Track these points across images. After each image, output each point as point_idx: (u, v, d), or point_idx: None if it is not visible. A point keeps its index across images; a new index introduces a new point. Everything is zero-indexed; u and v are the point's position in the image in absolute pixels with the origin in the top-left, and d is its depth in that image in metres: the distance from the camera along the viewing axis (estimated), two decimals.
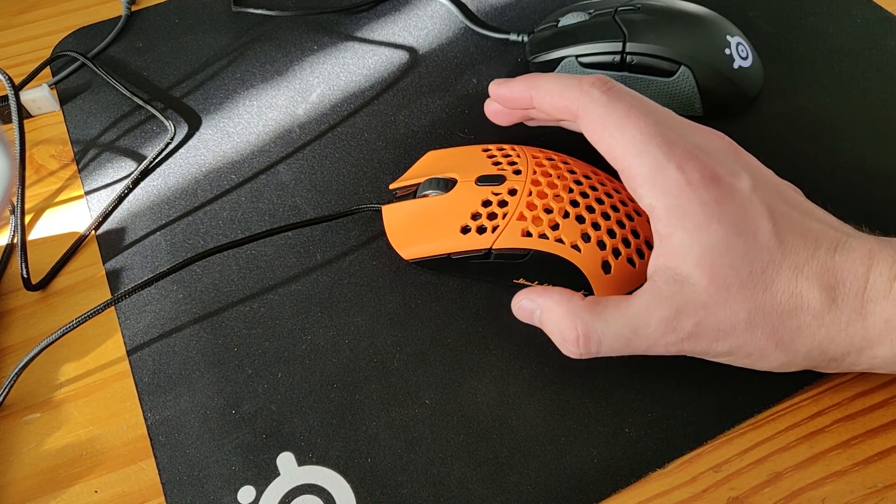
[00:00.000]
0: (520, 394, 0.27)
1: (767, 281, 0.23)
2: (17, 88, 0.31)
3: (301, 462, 0.26)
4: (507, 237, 0.27)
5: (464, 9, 0.41)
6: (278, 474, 0.25)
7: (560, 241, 0.27)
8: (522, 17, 0.40)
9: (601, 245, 0.27)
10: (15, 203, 0.31)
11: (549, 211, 0.27)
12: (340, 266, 0.31)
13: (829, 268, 0.23)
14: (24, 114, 0.36)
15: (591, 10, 0.36)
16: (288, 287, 0.30)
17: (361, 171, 0.34)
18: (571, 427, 0.26)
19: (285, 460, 0.26)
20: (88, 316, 0.27)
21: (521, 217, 0.27)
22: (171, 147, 0.35)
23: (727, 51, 0.34)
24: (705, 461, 0.26)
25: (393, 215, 0.30)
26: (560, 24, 0.36)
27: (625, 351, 0.25)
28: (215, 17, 0.42)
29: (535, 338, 0.28)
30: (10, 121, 0.31)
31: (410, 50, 0.39)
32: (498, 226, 0.27)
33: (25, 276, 0.30)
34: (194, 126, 0.36)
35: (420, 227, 0.29)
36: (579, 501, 0.25)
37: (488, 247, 0.28)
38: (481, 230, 0.28)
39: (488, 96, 0.30)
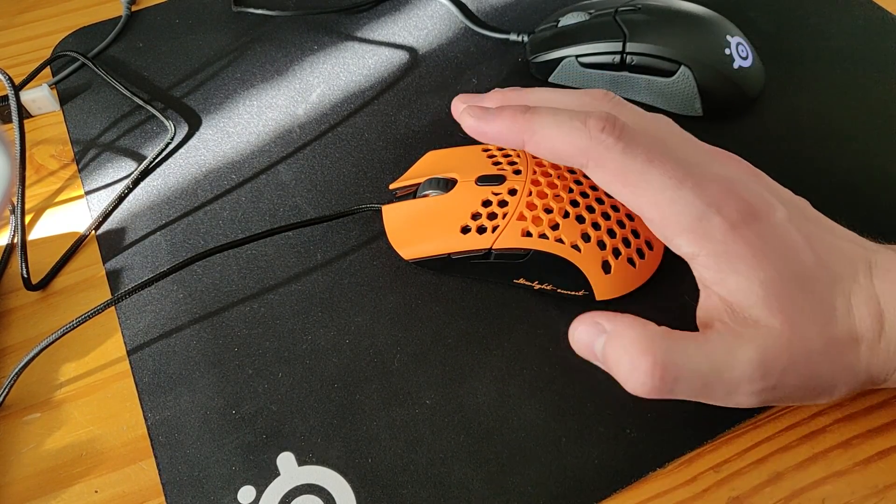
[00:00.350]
0: (520, 394, 0.27)
1: (828, 311, 0.22)
2: (17, 88, 0.31)
3: (301, 462, 0.26)
4: (507, 237, 0.27)
5: (464, 9, 0.41)
6: (278, 474, 0.25)
7: (560, 240, 0.27)
8: (522, 17, 0.40)
9: (601, 245, 0.27)
10: (15, 203, 0.31)
11: (549, 211, 0.27)
12: (341, 266, 0.31)
13: (871, 294, 0.23)
14: (24, 114, 0.36)
15: (592, 10, 0.36)
16: (288, 287, 0.30)
17: (361, 171, 0.34)
18: (572, 427, 0.26)
19: (285, 460, 0.26)
20: (88, 316, 0.27)
21: (521, 217, 0.27)
22: (171, 147, 0.35)
23: (727, 51, 0.34)
24: (705, 461, 0.26)
25: (393, 215, 0.30)
26: (560, 24, 0.36)
27: (699, 395, 0.22)
28: (215, 17, 0.42)
29: (536, 338, 0.28)
30: (10, 121, 0.31)
31: (410, 50, 0.39)
32: (498, 226, 0.27)
33: (25, 276, 0.30)
34: (194, 126, 0.36)
35: (420, 227, 0.29)
36: (580, 502, 0.25)
37: (488, 247, 0.28)
38: (481, 230, 0.28)
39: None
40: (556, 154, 0.25)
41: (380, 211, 0.31)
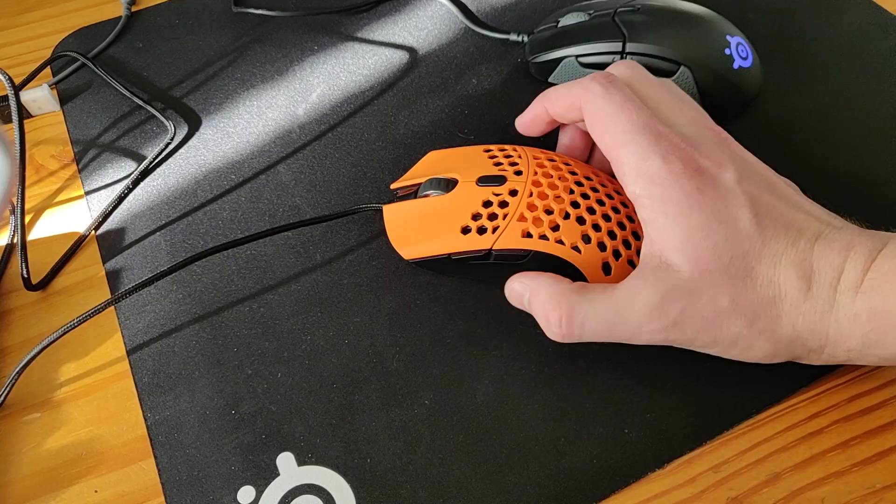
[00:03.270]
0: (519, 394, 0.27)
1: (748, 268, 0.24)
2: (17, 88, 0.32)
3: (301, 462, 0.26)
4: (508, 238, 0.27)
5: (464, 9, 0.41)
6: (278, 474, 0.26)
7: (560, 242, 0.27)
8: (522, 18, 0.40)
9: (601, 247, 0.27)
10: (15, 203, 0.31)
11: (549, 212, 0.27)
12: (340, 266, 0.31)
13: (806, 257, 0.24)
14: (24, 114, 0.36)
15: (591, 11, 0.36)
16: (288, 287, 0.30)
17: (361, 172, 0.34)
18: (571, 427, 0.26)
19: (285, 460, 0.26)
20: (88, 315, 0.27)
21: (522, 218, 0.27)
22: (171, 147, 0.35)
23: (727, 51, 0.34)
24: (704, 462, 0.26)
25: (393, 215, 0.30)
26: (560, 25, 0.36)
27: (608, 336, 0.25)
28: (215, 17, 0.42)
29: (535, 338, 0.28)
30: (10, 121, 0.31)
31: (410, 50, 0.39)
32: (498, 226, 0.28)
33: (25, 276, 0.30)
34: (194, 126, 0.36)
35: (421, 227, 0.29)
36: (579, 502, 0.25)
37: (488, 247, 0.28)
38: (482, 231, 0.28)
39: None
40: (562, 106, 0.29)
41: (380, 211, 0.31)
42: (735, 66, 0.34)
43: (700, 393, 0.27)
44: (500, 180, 0.28)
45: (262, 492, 0.25)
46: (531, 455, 0.26)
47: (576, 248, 0.27)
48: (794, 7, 0.40)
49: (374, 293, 0.30)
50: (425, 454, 0.26)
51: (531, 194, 0.28)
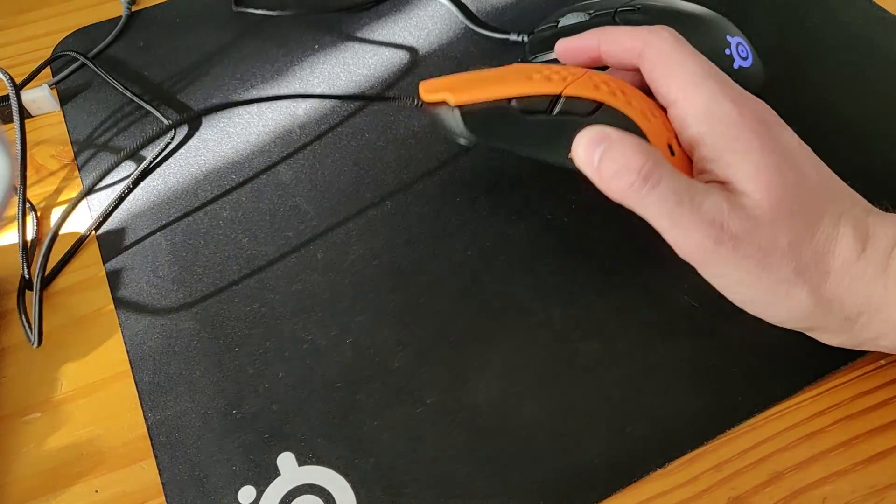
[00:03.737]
0: (521, 393, 0.27)
1: (812, 218, 0.24)
2: (18, 88, 0.31)
3: (302, 462, 0.26)
4: (580, 86, 0.25)
5: (464, 9, 0.41)
6: (279, 474, 0.25)
7: (632, 105, 0.26)
8: (522, 18, 0.40)
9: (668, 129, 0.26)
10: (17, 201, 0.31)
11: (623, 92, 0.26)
12: (342, 265, 0.31)
13: (863, 222, 0.24)
14: (24, 114, 0.36)
15: (592, 11, 0.36)
16: (289, 287, 0.30)
17: (363, 171, 0.34)
18: (573, 426, 0.26)
19: (286, 460, 0.26)
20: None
21: (592, 77, 0.26)
22: (171, 147, 0.35)
23: (727, 51, 0.34)
24: (706, 461, 0.26)
25: (439, 81, 0.27)
26: (560, 25, 0.36)
27: (664, 217, 0.24)
28: (216, 16, 0.42)
29: (538, 337, 0.28)
30: (10, 121, 0.31)
31: (410, 50, 0.39)
32: (568, 76, 0.26)
33: (27, 276, 0.30)
34: (194, 126, 0.36)
35: (477, 77, 0.27)
36: (581, 500, 0.25)
37: (558, 92, 0.25)
38: (549, 79, 0.26)
39: None
40: (621, 44, 0.28)
41: (419, 103, 0.28)
42: (735, 66, 0.34)
43: (701, 392, 0.27)
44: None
45: (262, 492, 0.25)
46: (534, 454, 0.26)
47: (646, 117, 0.26)
48: (795, 7, 0.40)
49: (376, 292, 0.30)
50: (428, 453, 0.26)
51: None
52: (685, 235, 0.24)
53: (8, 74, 0.32)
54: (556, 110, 0.25)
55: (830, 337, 0.26)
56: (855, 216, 0.24)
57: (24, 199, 0.31)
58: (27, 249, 0.30)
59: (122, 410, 0.27)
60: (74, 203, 0.33)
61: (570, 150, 0.25)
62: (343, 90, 0.37)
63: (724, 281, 0.25)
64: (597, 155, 0.24)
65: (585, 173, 0.25)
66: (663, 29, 0.27)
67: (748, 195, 0.24)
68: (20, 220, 0.31)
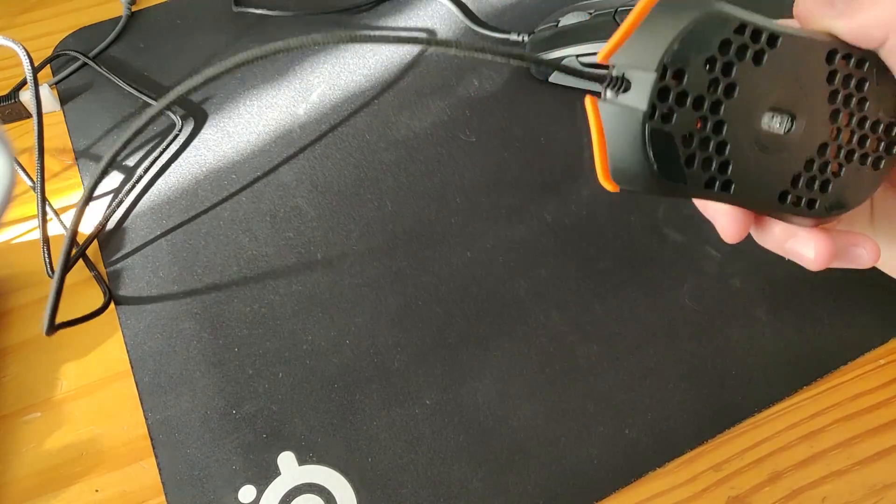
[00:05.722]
0: (520, 394, 0.27)
1: None
2: (35, 70, 0.32)
3: (302, 461, 0.26)
4: None
5: (464, 9, 0.41)
6: (279, 474, 0.25)
7: None
8: (523, 17, 0.40)
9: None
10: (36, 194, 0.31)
11: None
12: (341, 266, 0.31)
13: None
14: (24, 114, 0.36)
15: (592, 11, 0.36)
16: (289, 287, 0.30)
17: (363, 172, 0.34)
18: (571, 427, 0.26)
19: (286, 460, 0.26)
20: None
21: None
22: (171, 147, 0.35)
23: None
24: (705, 461, 0.26)
25: None
26: (560, 25, 0.36)
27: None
28: (216, 17, 0.42)
29: (536, 338, 0.28)
30: (10, 121, 0.31)
31: (411, 50, 0.39)
32: None
33: (51, 272, 0.30)
34: (195, 126, 0.36)
35: None
36: (579, 501, 0.25)
37: None
38: None
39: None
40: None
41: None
42: None
43: (701, 392, 0.27)
44: None
45: (263, 491, 0.25)
46: (532, 454, 0.26)
47: None
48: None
49: (376, 293, 0.30)
50: (426, 453, 0.26)
51: None
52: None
53: (29, 56, 0.32)
54: None
55: None
56: None
57: (44, 197, 0.31)
58: (48, 243, 0.30)
59: (123, 410, 0.27)
60: (81, 208, 0.33)
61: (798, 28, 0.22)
62: (343, 90, 0.38)
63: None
64: None
65: (822, 26, 0.22)
66: None
67: None
68: (40, 216, 0.31)
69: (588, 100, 0.21)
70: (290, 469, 0.26)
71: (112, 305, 0.30)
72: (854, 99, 0.22)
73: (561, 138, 0.35)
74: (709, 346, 0.28)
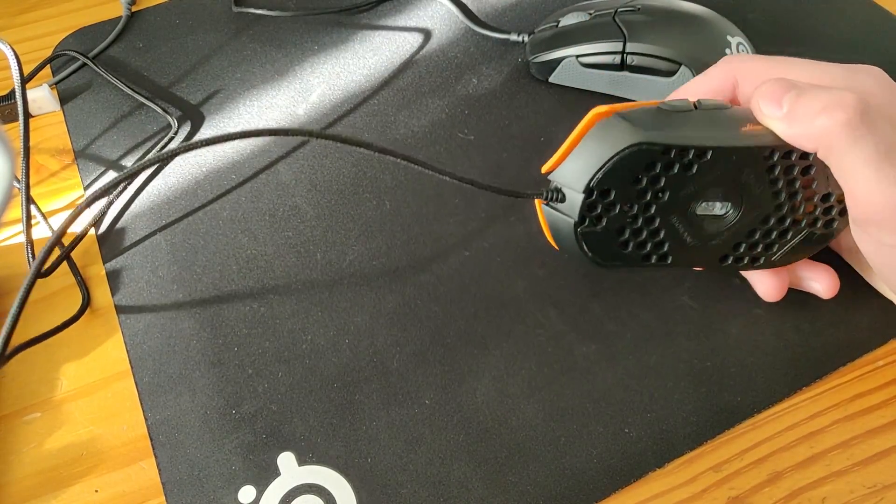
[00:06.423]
0: (519, 394, 0.27)
1: None
2: (23, 72, 0.31)
3: (301, 462, 0.26)
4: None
5: (464, 9, 0.41)
6: (279, 474, 0.25)
7: None
8: (523, 18, 0.40)
9: None
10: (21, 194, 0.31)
11: None
12: (340, 266, 0.31)
13: None
14: (18, 111, 0.36)
15: (592, 11, 0.36)
16: (288, 287, 0.30)
17: (361, 172, 0.34)
18: (571, 427, 0.26)
19: (286, 460, 0.26)
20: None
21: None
22: (171, 147, 0.35)
23: (727, 51, 0.34)
24: (705, 461, 0.26)
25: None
26: (560, 25, 0.36)
27: (869, 165, 0.22)
28: (216, 17, 0.42)
29: (535, 338, 0.28)
30: (10, 121, 0.31)
31: (411, 50, 0.39)
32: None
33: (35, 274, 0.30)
34: (194, 126, 0.36)
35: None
36: (579, 501, 0.25)
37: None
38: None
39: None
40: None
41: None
42: None
43: (700, 392, 0.27)
44: None
45: (262, 491, 0.25)
46: (531, 455, 0.26)
47: None
48: (795, 7, 0.40)
49: (374, 293, 0.30)
50: (426, 454, 0.26)
51: None
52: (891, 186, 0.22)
53: (17, 59, 0.32)
54: (699, 108, 0.24)
55: None
56: None
57: (28, 198, 0.31)
58: (32, 245, 0.30)
59: (122, 410, 0.27)
60: (85, 207, 0.33)
61: (738, 125, 0.24)
62: (343, 90, 0.37)
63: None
64: (787, 99, 0.23)
65: (767, 123, 0.24)
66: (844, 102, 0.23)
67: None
68: (25, 219, 0.31)
69: (536, 202, 0.26)
70: (290, 469, 0.26)
71: (90, 310, 0.30)
72: (793, 184, 0.25)
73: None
74: (708, 346, 0.28)
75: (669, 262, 0.25)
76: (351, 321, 0.29)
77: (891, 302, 0.28)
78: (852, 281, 0.29)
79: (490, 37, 0.39)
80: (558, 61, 0.36)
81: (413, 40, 0.40)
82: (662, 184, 0.24)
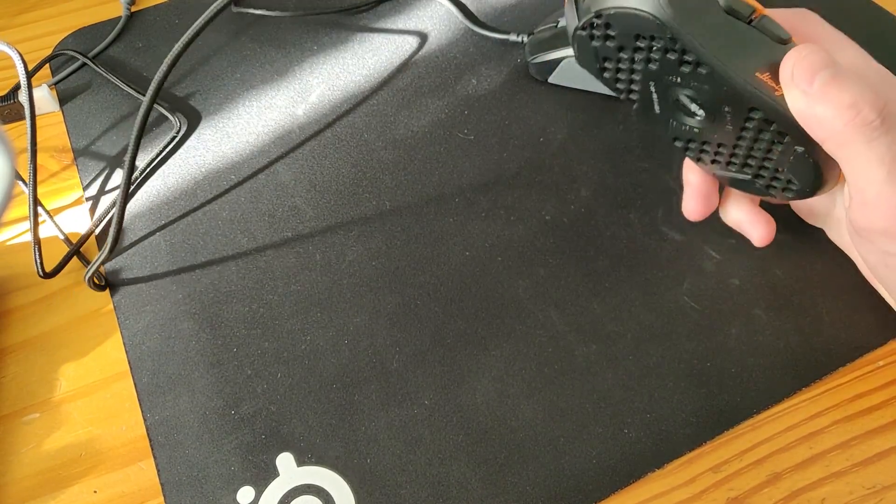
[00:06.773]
0: (519, 394, 0.27)
1: None
2: (29, 74, 0.31)
3: (300, 462, 0.26)
4: (776, 15, 0.24)
5: (464, 9, 0.41)
6: (277, 475, 0.25)
7: None
8: (522, 18, 0.40)
9: None
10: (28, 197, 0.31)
11: None
12: (339, 266, 0.31)
13: None
14: (24, 114, 0.36)
15: None
16: (287, 287, 0.30)
17: (361, 172, 0.34)
18: (570, 428, 0.26)
19: (284, 461, 0.26)
20: None
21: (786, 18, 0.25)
22: (171, 147, 0.35)
23: None
24: (704, 462, 0.26)
25: None
26: (560, 25, 0.36)
27: (883, 166, 0.22)
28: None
29: (535, 338, 0.28)
30: (10, 121, 0.31)
31: (410, 50, 0.39)
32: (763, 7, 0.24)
33: (42, 273, 0.30)
34: (194, 126, 0.36)
35: None
36: (578, 502, 0.25)
37: (759, 7, 0.24)
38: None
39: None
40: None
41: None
42: None
43: (700, 393, 0.27)
44: None
45: (261, 492, 0.25)
46: (531, 455, 0.26)
47: None
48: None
49: (374, 293, 0.30)
50: (425, 454, 0.26)
51: None
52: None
53: (22, 60, 0.31)
54: (754, 23, 0.24)
55: None
56: None
57: (35, 199, 0.31)
58: (40, 245, 0.30)
59: (121, 411, 0.27)
60: (73, 203, 0.33)
61: (757, 67, 0.23)
62: (342, 90, 0.37)
63: None
64: (820, 78, 0.22)
65: (787, 91, 0.23)
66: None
67: None
68: (32, 219, 0.31)
69: None
70: (289, 470, 0.26)
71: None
72: (758, 141, 0.25)
73: (559, 138, 0.35)
74: (708, 346, 0.28)
75: (634, 108, 0.27)
76: (350, 321, 0.29)
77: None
78: (852, 281, 0.29)
79: (489, 37, 0.39)
80: (557, 62, 0.36)
81: (412, 41, 0.40)
82: (657, 58, 0.24)
